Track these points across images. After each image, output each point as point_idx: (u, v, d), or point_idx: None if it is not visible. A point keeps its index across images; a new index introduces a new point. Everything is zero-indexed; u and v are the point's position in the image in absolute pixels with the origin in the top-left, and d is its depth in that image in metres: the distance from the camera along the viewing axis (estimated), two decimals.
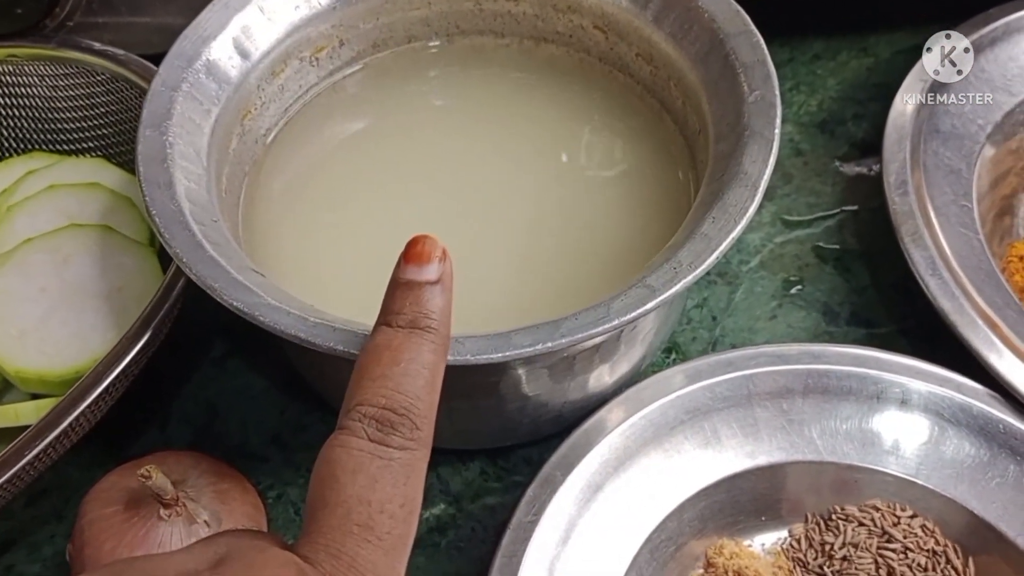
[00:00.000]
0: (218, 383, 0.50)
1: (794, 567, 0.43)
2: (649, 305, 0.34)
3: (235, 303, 0.35)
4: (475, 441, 0.46)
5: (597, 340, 0.38)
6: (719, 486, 0.44)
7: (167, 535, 0.39)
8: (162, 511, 0.39)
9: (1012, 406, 0.44)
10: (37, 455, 0.38)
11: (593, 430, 0.43)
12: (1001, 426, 0.43)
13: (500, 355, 0.33)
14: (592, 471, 0.42)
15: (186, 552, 0.26)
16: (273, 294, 0.35)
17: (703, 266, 0.35)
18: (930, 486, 0.43)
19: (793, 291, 0.53)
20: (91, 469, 0.47)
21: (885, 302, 0.52)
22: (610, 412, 0.44)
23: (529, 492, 0.42)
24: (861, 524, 0.44)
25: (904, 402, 0.44)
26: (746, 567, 0.42)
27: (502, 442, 0.46)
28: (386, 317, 0.29)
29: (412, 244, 0.30)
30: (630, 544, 0.42)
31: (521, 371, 0.39)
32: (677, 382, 0.45)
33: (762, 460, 0.44)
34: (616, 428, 0.43)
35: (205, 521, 0.40)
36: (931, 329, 0.48)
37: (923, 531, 0.43)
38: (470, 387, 0.40)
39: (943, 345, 0.46)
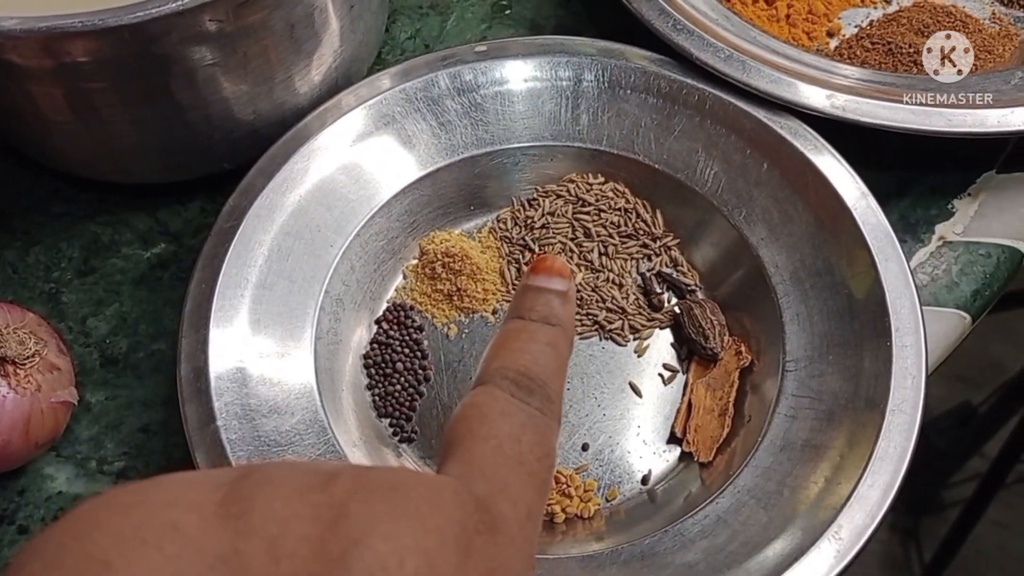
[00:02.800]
0: None
1: (501, 244, 0.46)
2: None
3: None
4: (178, 166, 0.46)
5: None
6: (422, 181, 0.46)
7: None
8: None
9: (682, 66, 0.46)
10: None
11: (292, 140, 0.44)
12: (674, 85, 0.46)
13: None
14: (292, 177, 0.43)
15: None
16: None
17: None
18: (615, 151, 0.46)
19: (505, 13, 0.54)
20: None
21: (589, 12, 0.54)
22: (307, 124, 0.45)
23: (230, 202, 0.43)
24: (559, 196, 0.46)
25: (590, 79, 0.47)
26: (454, 248, 0.45)
27: (207, 167, 0.46)
28: (518, 312, 0.31)
29: (542, 259, 0.32)
30: (336, 241, 0.44)
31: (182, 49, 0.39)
32: (367, 92, 0.46)
33: (460, 155, 0.46)
34: (316, 135, 0.44)
35: None
36: (631, 29, 0.50)
37: (614, 193, 0.46)
38: (143, 87, 0.40)
39: (639, 43, 0.48)
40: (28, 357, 0.38)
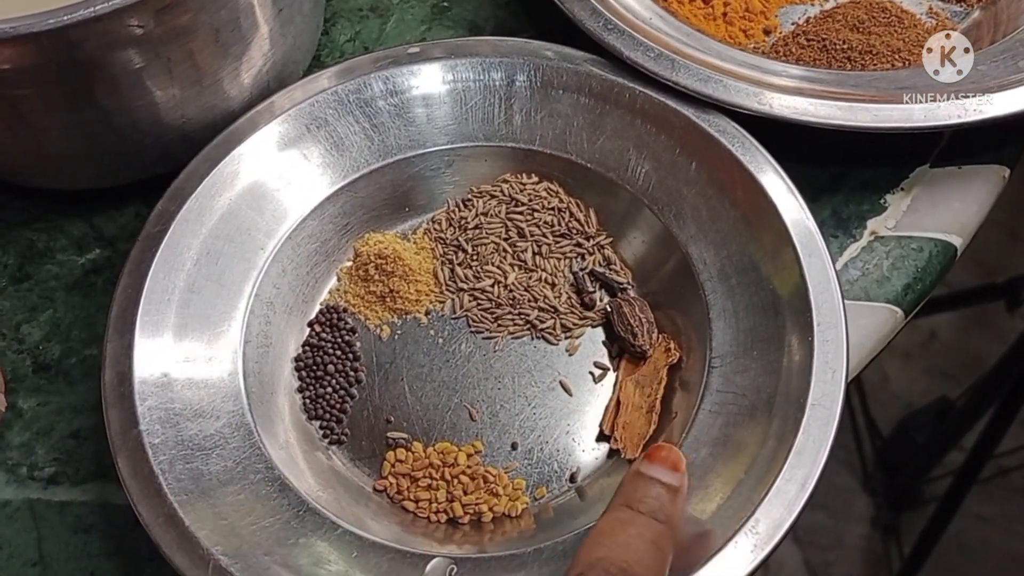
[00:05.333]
0: None
1: (435, 244, 0.46)
2: None
3: None
4: (109, 172, 0.46)
5: None
6: (356, 184, 0.46)
7: None
8: None
9: (615, 66, 0.47)
10: None
11: (223, 144, 0.44)
12: (605, 84, 0.46)
13: None
14: (222, 180, 0.43)
15: None
16: None
17: None
18: (548, 151, 0.46)
19: (445, 15, 0.54)
20: None
21: (528, 12, 0.54)
22: (239, 127, 0.45)
23: (158, 206, 0.43)
24: (492, 197, 0.47)
25: (522, 80, 0.47)
26: (387, 250, 0.45)
27: (138, 172, 0.46)
28: (628, 500, 0.31)
29: (658, 449, 0.32)
30: (267, 244, 0.44)
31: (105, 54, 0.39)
32: (300, 95, 0.46)
33: (393, 157, 0.46)
34: (246, 139, 0.44)
35: None
36: (569, 30, 0.50)
37: (547, 192, 0.46)
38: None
39: (576, 43, 0.48)
40: None
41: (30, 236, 0.47)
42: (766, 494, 0.35)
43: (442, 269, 0.45)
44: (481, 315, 0.44)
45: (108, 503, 0.40)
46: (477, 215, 0.46)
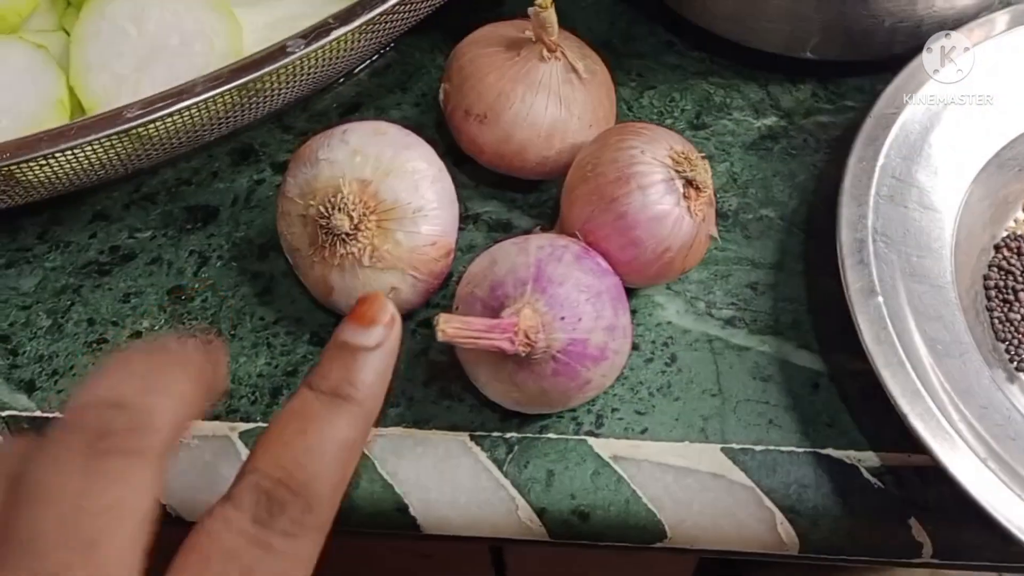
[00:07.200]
0: None
1: None
2: None
3: None
4: (828, 42, 0.46)
5: None
6: None
7: (547, 74, 0.41)
8: (544, 52, 0.41)
9: None
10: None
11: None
12: None
13: None
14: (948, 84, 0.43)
15: None
16: None
17: None
18: None
19: None
20: (432, 52, 0.49)
21: None
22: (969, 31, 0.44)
23: (890, 88, 0.42)
24: None
25: None
26: None
27: (851, 53, 0.46)
28: (310, 378, 0.26)
29: (360, 302, 0.27)
30: (979, 156, 0.43)
31: None
32: None
33: None
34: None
35: (579, 72, 0.41)
36: None
37: None
38: None
39: None
40: (707, 187, 0.39)
41: (707, 88, 0.48)
42: None
43: None
44: None
45: (786, 361, 0.40)
46: None
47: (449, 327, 0.31)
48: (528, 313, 0.33)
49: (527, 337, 0.33)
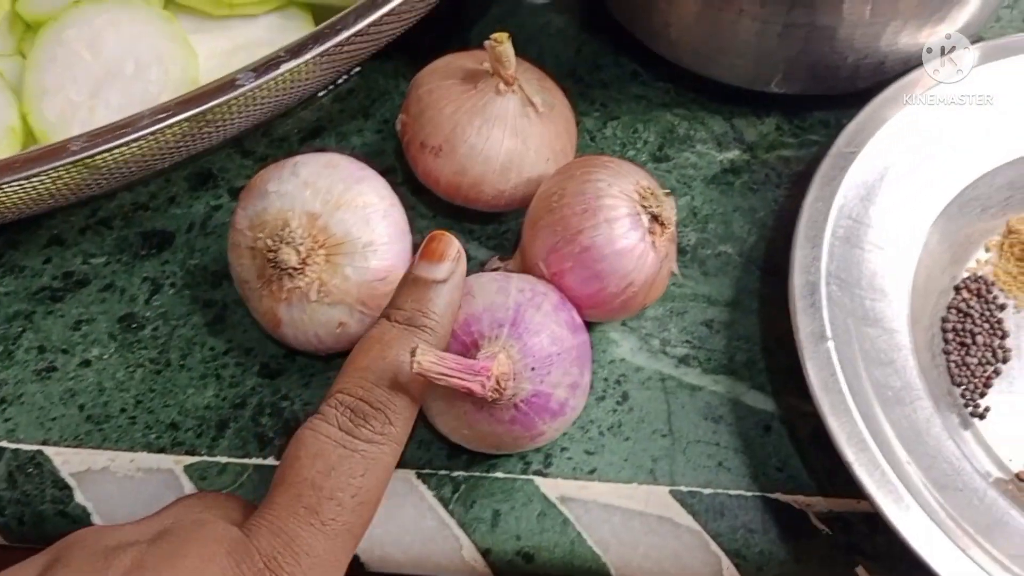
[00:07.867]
0: (517, 19, 0.51)
1: None
2: None
3: None
4: (792, 78, 0.45)
5: None
6: None
7: (503, 107, 0.40)
8: (501, 86, 0.41)
9: None
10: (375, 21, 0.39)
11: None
12: None
13: None
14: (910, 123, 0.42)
15: (134, 525, 0.27)
16: None
17: None
18: None
19: None
20: (396, 78, 0.49)
21: None
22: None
23: (850, 126, 0.42)
24: None
25: None
26: None
27: (815, 87, 0.46)
28: (387, 310, 0.29)
29: (429, 240, 0.30)
30: (940, 197, 0.42)
31: None
32: (994, 53, 0.44)
33: None
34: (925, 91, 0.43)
35: (536, 105, 0.41)
36: None
37: None
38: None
39: None
40: (671, 223, 0.38)
41: (671, 119, 0.48)
42: None
43: None
44: None
45: (738, 401, 0.40)
46: None
47: (425, 359, 0.31)
48: (503, 359, 0.32)
49: (498, 384, 0.32)
